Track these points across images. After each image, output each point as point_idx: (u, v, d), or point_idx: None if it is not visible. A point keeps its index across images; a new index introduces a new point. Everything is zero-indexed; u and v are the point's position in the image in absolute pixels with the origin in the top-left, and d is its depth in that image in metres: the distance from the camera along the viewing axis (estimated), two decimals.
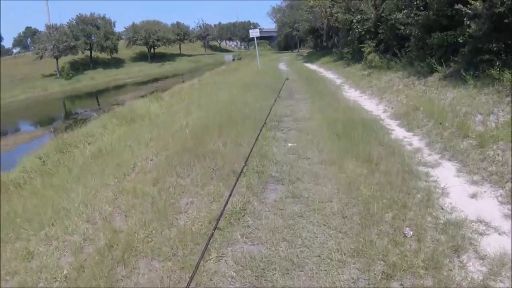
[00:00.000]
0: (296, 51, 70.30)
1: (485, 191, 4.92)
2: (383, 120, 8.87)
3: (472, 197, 4.80)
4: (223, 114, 9.56)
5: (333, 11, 27.56)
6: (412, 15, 14.29)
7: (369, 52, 18.57)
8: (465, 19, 10.05)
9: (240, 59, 61.21)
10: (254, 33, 26.47)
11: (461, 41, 10.55)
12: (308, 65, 30.94)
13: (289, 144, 6.89)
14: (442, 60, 11.19)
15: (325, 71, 23.29)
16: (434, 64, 11.24)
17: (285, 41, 79.72)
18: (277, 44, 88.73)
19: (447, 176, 5.41)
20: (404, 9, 14.82)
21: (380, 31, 17.17)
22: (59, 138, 13.12)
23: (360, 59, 20.46)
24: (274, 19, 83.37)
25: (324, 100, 11.14)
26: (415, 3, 13.86)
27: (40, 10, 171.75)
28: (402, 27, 14.63)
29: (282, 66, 31.60)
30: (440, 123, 7.52)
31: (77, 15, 66.53)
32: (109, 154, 9.47)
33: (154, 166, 6.52)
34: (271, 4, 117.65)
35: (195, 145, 6.85)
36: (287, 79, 17.23)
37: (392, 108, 9.97)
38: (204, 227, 4.09)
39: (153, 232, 4.21)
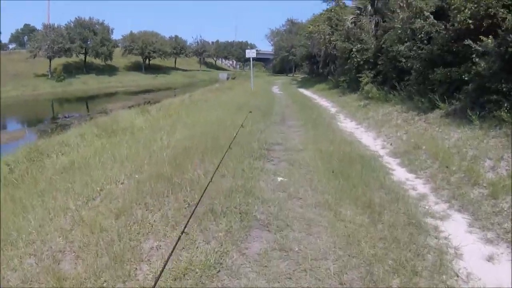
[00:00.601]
0: (291, 75, 70.49)
1: (502, 253, 4.23)
2: (382, 157, 8.17)
3: (488, 260, 4.09)
4: (209, 136, 8.76)
5: (332, 39, 27.33)
6: (414, 48, 13.88)
7: (366, 83, 18.09)
8: (473, 56, 9.55)
9: (234, 78, 60.81)
10: (250, 53, 26.01)
11: (466, 78, 10.05)
12: (302, 90, 30.50)
13: (279, 179, 6.11)
14: (444, 97, 10.65)
15: (320, 98, 22.77)
16: (437, 100, 10.66)
17: (280, 64, 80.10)
18: (272, 67, 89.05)
19: (459, 231, 4.67)
20: (406, 42, 14.41)
21: (380, 62, 16.72)
22: (33, 144, 12.17)
23: (356, 89, 19.98)
24: (271, 42, 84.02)
25: (318, 130, 10.45)
26: (419, 36, 13.44)
27: (41, 8, 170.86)
28: (404, 60, 14.18)
29: (275, 90, 31.15)
30: (447, 167, 6.83)
31: (76, 18, 66.00)
32: (80, 170, 8.57)
33: (122, 192, 5.67)
34: (270, 27, 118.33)
35: (173, 171, 6.03)
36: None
37: (391, 144, 9.30)
38: (167, 287, 3.24)
39: (104, 285, 3.36)
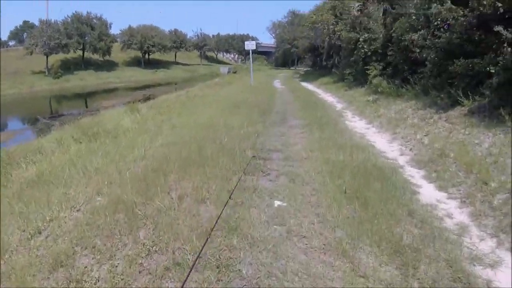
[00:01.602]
0: (293, 68, 69.11)
1: None
2: (403, 168, 6.78)
3: None
4: (196, 143, 7.42)
5: (336, 29, 25.83)
6: (429, 37, 12.49)
7: (375, 76, 16.64)
8: (505, 44, 8.19)
9: (235, 72, 59.36)
10: (250, 45, 24.53)
11: (492, 70, 8.68)
12: (305, 84, 28.99)
13: (276, 203, 4.76)
14: (467, 92, 9.27)
15: (324, 93, 21.30)
16: (460, 97, 9.28)
17: (282, 57, 78.72)
18: (274, 60, 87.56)
19: None
20: (420, 30, 12.99)
21: (389, 53, 15.25)
22: (4, 151, 10.87)
23: (363, 82, 18.54)
24: (273, 35, 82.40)
25: (325, 132, 9.06)
26: (435, 23, 12.01)
27: (41, 5, 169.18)
28: (417, 50, 12.77)
29: (277, 84, 29.64)
30: (485, 183, 5.45)
31: (73, 13, 64.62)
32: (43, 186, 7.27)
33: (73, 225, 4.35)
34: (272, 19, 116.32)
35: (140, 196, 4.69)
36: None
37: (411, 150, 7.91)
38: None
39: None
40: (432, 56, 11.95)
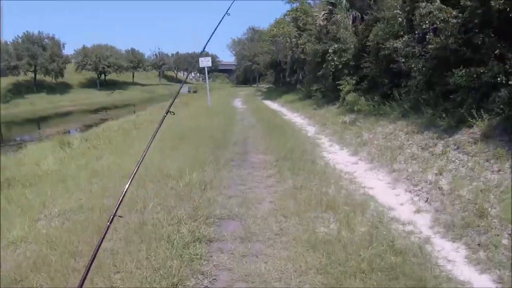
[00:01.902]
0: (255, 85, 67.28)
1: None
2: (429, 240, 4.26)
3: None
4: (104, 213, 4.70)
5: (299, 41, 23.75)
6: (412, 44, 10.41)
7: (348, 91, 14.41)
8: None
9: (195, 91, 56.53)
10: (205, 62, 21.90)
11: (503, 81, 6.81)
12: (269, 103, 26.57)
13: None
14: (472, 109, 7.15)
15: (290, 113, 18.86)
16: (467, 116, 7.07)
17: (243, 74, 77.25)
18: (235, 77, 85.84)
19: None
20: (403, 35, 10.85)
21: (365, 65, 13.03)
22: None
23: (334, 99, 16.29)
24: (233, 52, 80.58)
25: (300, 175, 6.51)
26: (423, 27, 9.86)
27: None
28: (402, 60, 10.58)
29: (238, 103, 27.04)
30: None
31: (24, 33, 60.19)
32: None
33: None
34: (231, 37, 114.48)
35: None
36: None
37: (427, 201, 5.45)
38: None
39: None
40: (420, 66, 9.83)
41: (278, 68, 37.41)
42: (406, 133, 8.69)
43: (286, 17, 29.03)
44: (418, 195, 5.81)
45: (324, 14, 17.86)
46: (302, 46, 22.84)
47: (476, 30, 8.15)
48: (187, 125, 12.94)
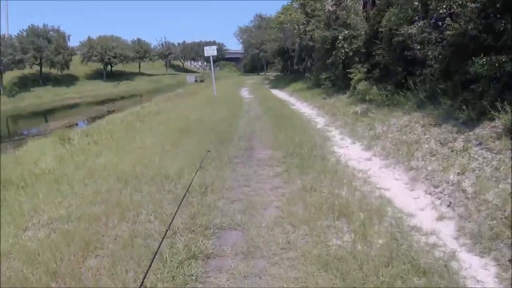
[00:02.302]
0: (263, 74, 66.43)
1: None
2: (454, 255, 3.72)
3: None
4: (90, 227, 4.24)
5: (307, 28, 22.99)
6: (429, 29, 9.77)
7: (359, 80, 13.77)
8: None
9: (202, 81, 55.95)
10: (210, 51, 21.27)
11: None
12: (276, 92, 25.87)
13: None
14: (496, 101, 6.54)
15: (299, 103, 18.21)
16: (496, 110, 6.49)
17: (251, 63, 76.31)
18: (243, 66, 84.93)
19: None
20: (418, 21, 10.20)
21: (378, 52, 12.36)
22: None
23: (344, 88, 15.64)
24: (240, 40, 79.56)
25: (309, 173, 5.98)
26: (440, 11, 9.19)
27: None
28: (418, 47, 9.94)
29: (244, 93, 26.36)
30: None
31: (28, 26, 59.60)
32: None
33: None
34: (239, 25, 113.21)
35: None
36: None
37: (450, 205, 4.89)
38: None
39: None
40: (436, 53, 9.20)
41: (286, 55, 36.60)
42: (422, 126, 8.10)
43: (294, 3, 28.22)
44: (440, 198, 5.25)
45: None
46: (311, 33, 22.10)
47: (498, 16, 7.55)
48: (191, 117, 12.43)
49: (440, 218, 4.63)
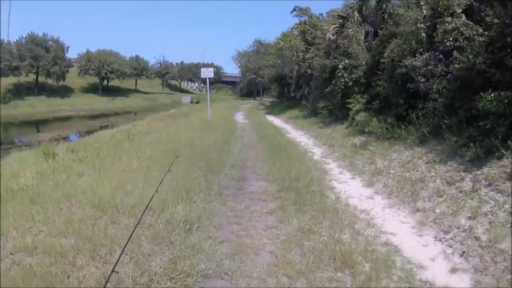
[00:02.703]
0: (259, 99, 66.52)
1: None
2: None
3: None
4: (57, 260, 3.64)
5: (306, 56, 22.83)
6: (433, 62, 9.48)
7: (358, 111, 13.39)
8: None
9: (198, 102, 55.72)
10: (206, 72, 20.94)
11: None
12: (272, 118, 25.45)
13: None
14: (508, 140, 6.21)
15: (294, 131, 17.75)
16: (507, 149, 6.12)
17: (247, 87, 76.59)
18: (239, 90, 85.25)
19: None
20: (422, 53, 9.92)
21: (378, 83, 12.03)
22: None
23: (342, 118, 15.25)
24: (238, 64, 79.99)
25: (306, 211, 5.42)
26: (447, 44, 8.93)
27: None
28: (422, 80, 9.60)
29: (239, 117, 25.91)
30: None
31: (28, 34, 59.34)
32: None
33: None
34: (237, 49, 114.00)
35: None
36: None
37: (463, 255, 4.37)
38: None
39: None
40: (441, 87, 8.87)
41: (283, 82, 36.48)
42: (426, 162, 7.65)
43: (293, 30, 28.18)
44: (451, 246, 4.72)
45: (334, 28, 16.93)
46: (309, 61, 21.96)
47: (509, 50, 7.23)
48: (182, 140, 11.85)
49: (454, 270, 4.09)
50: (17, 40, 58.69)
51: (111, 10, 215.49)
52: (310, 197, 6.11)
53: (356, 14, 15.92)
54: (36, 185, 8.64)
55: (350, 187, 7.29)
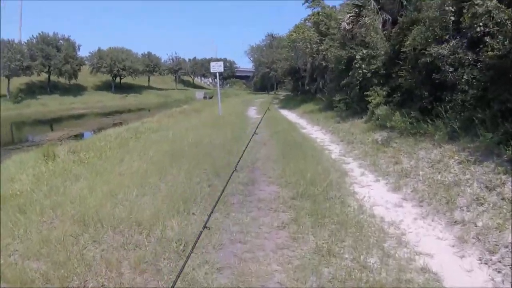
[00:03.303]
0: (272, 93, 65.64)
1: None
2: None
3: None
4: None
5: (320, 48, 21.85)
6: (461, 50, 8.55)
7: (378, 104, 12.43)
8: None
9: (211, 97, 55.00)
10: (216, 67, 20.13)
11: None
12: (286, 112, 24.49)
13: None
14: None
15: (310, 126, 16.81)
16: None
17: (261, 81, 75.76)
18: (253, 84, 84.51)
19: None
20: (448, 40, 8.96)
21: (400, 74, 11.07)
22: None
23: (361, 112, 14.29)
24: (251, 58, 79.18)
25: (325, 225, 4.58)
26: (477, 29, 7.96)
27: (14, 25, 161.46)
28: (450, 69, 8.65)
29: (252, 112, 25.01)
30: None
31: (39, 33, 59.62)
32: None
33: None
34: (250, 43, 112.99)
35: None
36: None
37: None
38: None
39: None
40: (471, 77, 7.95)
41: (297, 75, 35.46)
42: (459, 162, 6.73)
43: (306, 21, 27.14)
44: (500, 271, 3.83)
45: (349, 17, 15.93)
46: (324, 52, 20.96)
47: None
48: (188, 139, 11.07)
49: None
50: (28, 40, 58.88)
51: (123, 9, 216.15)
52: (328, 205, 5.26)
53: (373, 1, 14.89)
54: (30, 191, 8.00)
55: (374, 192, 6.38)
